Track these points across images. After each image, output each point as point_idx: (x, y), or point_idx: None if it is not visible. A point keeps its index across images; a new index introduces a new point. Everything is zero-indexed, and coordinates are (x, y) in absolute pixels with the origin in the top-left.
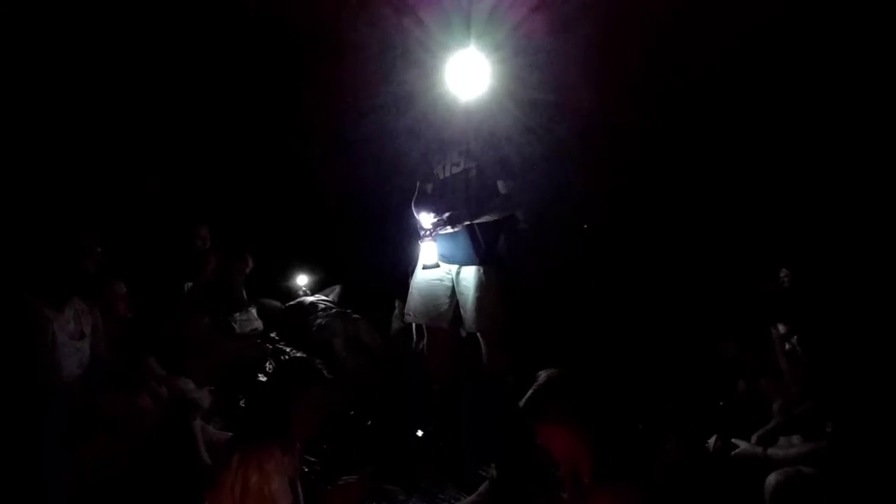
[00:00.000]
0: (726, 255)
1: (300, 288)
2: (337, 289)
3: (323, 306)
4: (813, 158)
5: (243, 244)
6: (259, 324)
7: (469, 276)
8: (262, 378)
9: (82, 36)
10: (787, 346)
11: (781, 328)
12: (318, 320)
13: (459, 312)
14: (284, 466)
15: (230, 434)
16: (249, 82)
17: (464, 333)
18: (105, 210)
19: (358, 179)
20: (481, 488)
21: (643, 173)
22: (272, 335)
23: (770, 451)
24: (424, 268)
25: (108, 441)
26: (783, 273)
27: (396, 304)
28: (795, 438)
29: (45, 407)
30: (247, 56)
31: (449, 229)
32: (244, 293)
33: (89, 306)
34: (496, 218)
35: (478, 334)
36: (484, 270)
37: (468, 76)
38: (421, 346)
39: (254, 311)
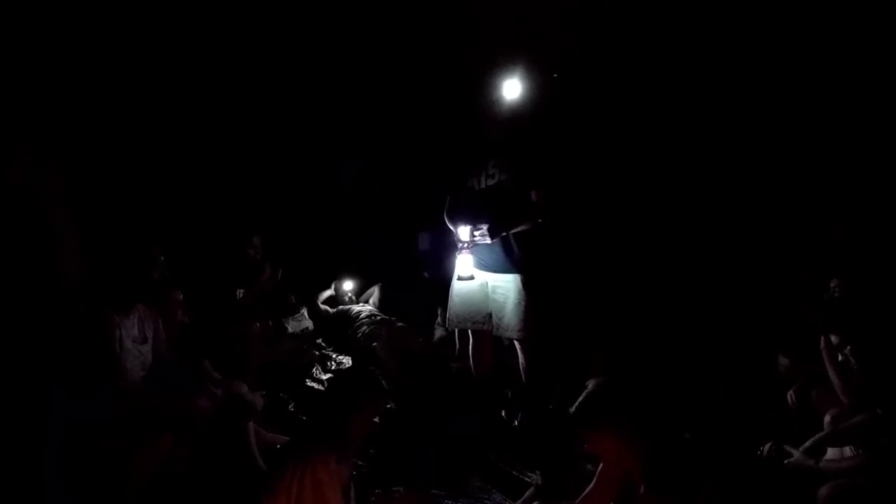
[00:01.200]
0: (781, 265)
1: (346, 294)
2: (376, 289)
3: (368, 313)
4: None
5: (283, 251)
6: (310, 323)
7: (507, 284)
8: (311, 384)
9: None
10: (839, 358)
11: (833, 339)
12: (364, 327)
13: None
14: (339, 474)
15: (283, 437)
16: (290, 89)
17: (506, 342)
18: (164, 219)
19: (395, 187)
20: (526, 495)
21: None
22: (319, 341)
23: (822, 463)
24: (460, 279)
25: (171, 441)
26: (834, 283)
27: (439, 312)
28: (848, 450)
29: (111, 406)
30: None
31: (488, 241)
32: (292, 296)
33: (151, 312)
34: (532, 227)
35: (515, 342)
36: (522, 279)
37: (506, 91)
38: (464, 352)
39: (304, 311)
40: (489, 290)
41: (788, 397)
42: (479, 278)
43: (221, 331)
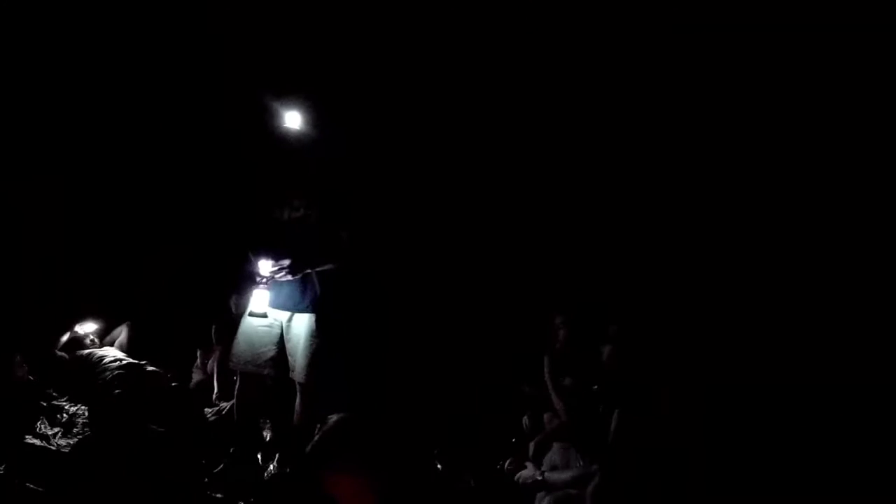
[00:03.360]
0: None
1: (87, 336)
2: (124, 330)
3: (112, 357)
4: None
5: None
6: (22, 371)
7: (301, 324)
8: (33, 440)
9: None
10: (566, 381)
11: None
12: (106, 373)
13: (284, 359)
14: None
15: None
16: None
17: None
18: None
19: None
20: None
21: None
22: (49, 391)
23: (547, 475)
24: (251, 315)
25: None
26: (558, 321)
27: (198, 354)
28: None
29: None
30: None
31: (289, 277)
32: None
33: None
34: (334, 268)
35: (297, 384)
36: (316, 319)
37: (310, 123)
38: (224, 396)
39: (18, 358)
40: (285, 329)
41: (523, 422)
42: (273, 318)
43: None
